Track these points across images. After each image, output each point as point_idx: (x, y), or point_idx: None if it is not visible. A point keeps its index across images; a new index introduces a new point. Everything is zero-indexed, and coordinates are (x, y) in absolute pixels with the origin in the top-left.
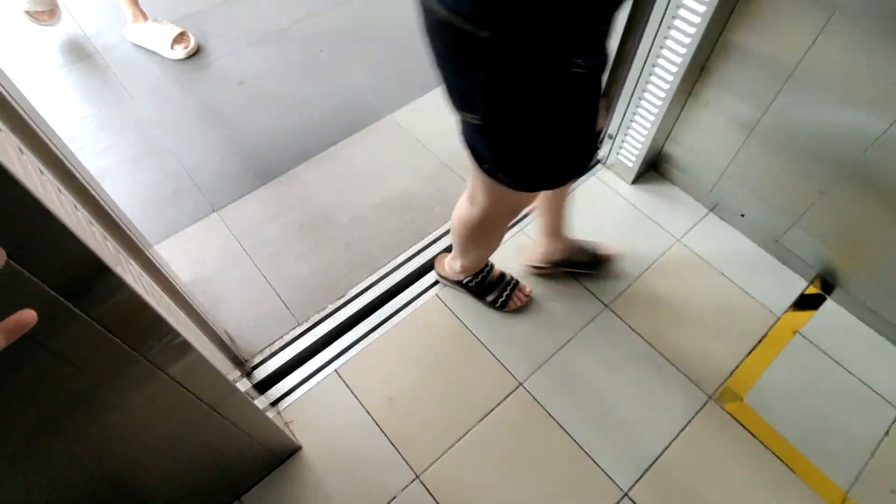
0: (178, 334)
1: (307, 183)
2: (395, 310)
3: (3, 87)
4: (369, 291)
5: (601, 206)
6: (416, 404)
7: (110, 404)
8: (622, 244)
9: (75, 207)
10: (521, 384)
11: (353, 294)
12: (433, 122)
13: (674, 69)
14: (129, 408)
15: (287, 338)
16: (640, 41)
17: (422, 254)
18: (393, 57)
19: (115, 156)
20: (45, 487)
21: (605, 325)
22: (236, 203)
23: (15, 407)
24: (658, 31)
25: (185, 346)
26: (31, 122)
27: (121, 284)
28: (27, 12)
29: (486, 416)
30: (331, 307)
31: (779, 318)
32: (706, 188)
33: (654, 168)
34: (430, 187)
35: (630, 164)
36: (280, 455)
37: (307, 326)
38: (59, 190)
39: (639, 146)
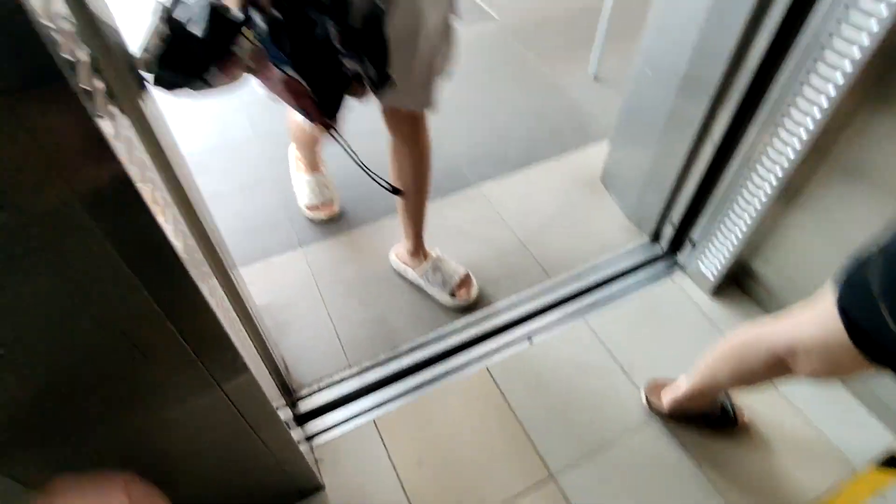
0: (239, 355)
1: (388, 236)
2: (443, 372)
3: (150, 122)
4: (422, 349)
5: (674, 314)
6: (443, 473)
7: (166, 400)
8: (689, 358)
9: (175, 219)
10: (552, 476)
11: (406, 348)
12: (518, 199)
13: (772, 179)
14: (179, 410)
15: (336, 377)
16: (740, 145)
17: (481, 323)
18: (492, 130)
19: (229, 182)
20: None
21: (656, 435)
22: (321, 243)
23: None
24: (763, 128)
25: (243, 368)
26: (161, 145)
27: (203, 303)
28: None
29: (509, 501)
30: (383, 356)
31: (858, 472)
32: None
33: (737, 283)
34: (500, 261)
35: (711, 276)
36: (302, 489)
37: (357, 370)
38: (165, 203)
39: (722, 258)
